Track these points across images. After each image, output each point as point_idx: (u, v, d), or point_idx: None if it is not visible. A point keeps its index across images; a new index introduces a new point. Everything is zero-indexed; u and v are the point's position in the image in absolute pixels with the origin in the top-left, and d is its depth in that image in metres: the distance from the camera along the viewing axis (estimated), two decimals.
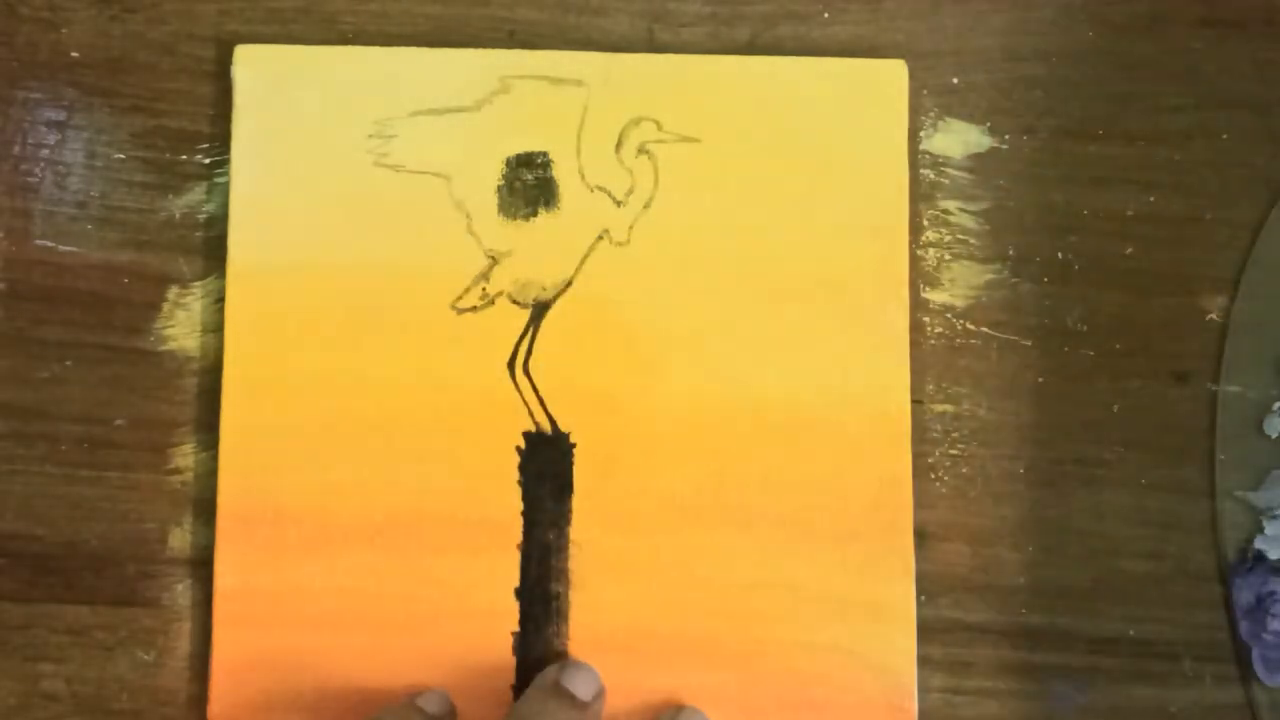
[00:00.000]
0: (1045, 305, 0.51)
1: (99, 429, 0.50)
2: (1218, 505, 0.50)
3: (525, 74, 0.50)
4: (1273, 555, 0.49)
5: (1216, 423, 0.50)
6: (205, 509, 0.49)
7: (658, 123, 0.50)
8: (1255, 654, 0.49)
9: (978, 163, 0.51)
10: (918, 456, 0.49)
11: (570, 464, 0.49)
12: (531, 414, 0.49)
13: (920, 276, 0.51)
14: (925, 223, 0.51)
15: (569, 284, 0.50)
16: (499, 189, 0.50)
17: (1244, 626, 0.49)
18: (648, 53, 0.51)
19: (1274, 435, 0.50)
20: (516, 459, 0.49)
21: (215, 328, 0.50)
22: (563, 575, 0.48)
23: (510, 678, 0.48)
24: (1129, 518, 0.50)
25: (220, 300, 0.50)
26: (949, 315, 0.51)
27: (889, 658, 0.48)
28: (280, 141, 0.50)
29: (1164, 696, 0.49)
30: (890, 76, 0.50)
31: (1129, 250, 0.51)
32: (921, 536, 0.49)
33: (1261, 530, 0.49)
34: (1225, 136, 0.51)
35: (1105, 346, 0.51)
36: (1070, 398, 0.50)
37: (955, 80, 0.52)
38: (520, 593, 0.48)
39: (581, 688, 0.46)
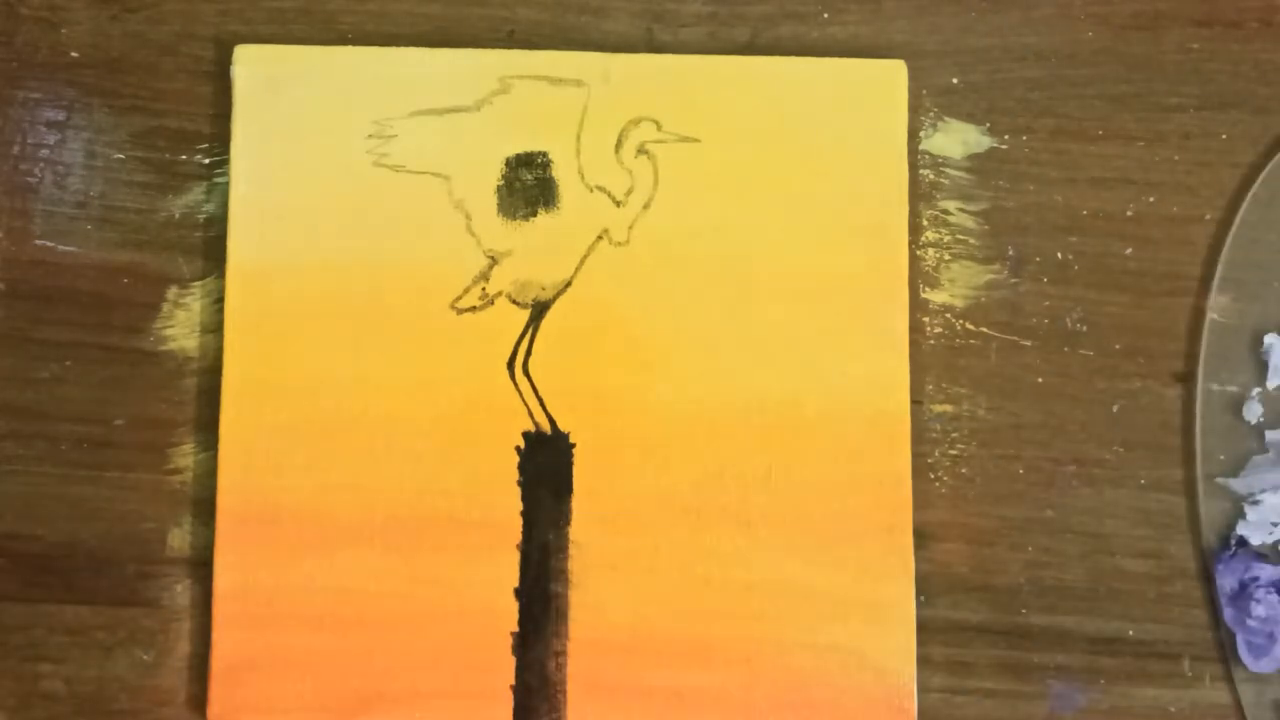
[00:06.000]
0: (1045, 305, 0.51)
1: (99, 429, 0.50)
2: (1199, 493, 0.49)
3: (525, 74, 0.50)
4: (1255, 540, 0.49)
5: (1196, 411, 0.50)
6: (205, 509, 0.49)
7: (657, 123, 0.50)
8: (1240, 639, 0.49)
9: (977, 163, 0.51)
10: (917, 456, 0.49)
11: (570, 464, 0.49)
12: (531, 414, 0.49)
13: (920, 276, 0.51)
14: (925, 223, 0.51)
15: (568, 284, 0.50)
16: (499, 189, 0.50)
17: (1228, 613, 0.49)
18: (647, 53, 0.51)
19: (1253, 421, 0.50)
20: (516, 459, 0.49)
21: (215, 328, 0.50)
22: (562, 575, 0.48)
23: (510, 678, 0.48)
24: (1129, 518, 0.50)
25: (220, 300, 0.50)
26: (949, 315, 0.51)
27: (889, 658, 0.48)
28: (280, 141, 0.50)
29: (1164, 696, 0.49)
30: (890, 76, 0.50)
31: (1129, 250, 0.51)
32: (921, 536, 0.49)
33: (1243, 516, 0.49)
34: (1225, 136, 0.51)
35: (1105, 346, 0.51)
36: (1070, 398, 0.50)
37: (955, 80, 0.52)
38: (520, 593, 0.48)
39: None
